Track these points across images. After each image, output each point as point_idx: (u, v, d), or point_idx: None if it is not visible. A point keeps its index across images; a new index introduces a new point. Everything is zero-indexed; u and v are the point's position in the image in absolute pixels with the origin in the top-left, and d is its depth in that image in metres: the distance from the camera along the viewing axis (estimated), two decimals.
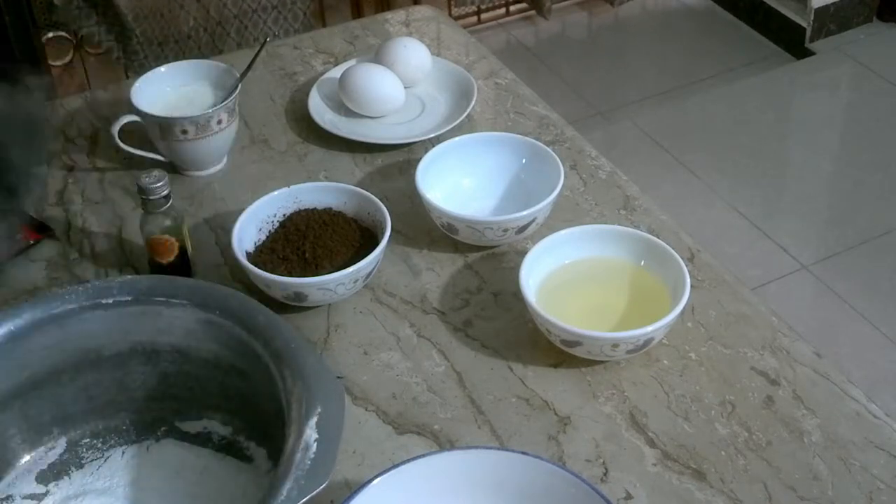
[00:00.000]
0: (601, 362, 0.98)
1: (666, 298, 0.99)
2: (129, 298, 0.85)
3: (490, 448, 0.89)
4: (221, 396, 0.89)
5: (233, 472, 0.88)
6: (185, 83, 1.27)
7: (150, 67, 1.29)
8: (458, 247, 1.12)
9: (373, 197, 1.09)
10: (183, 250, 1.07)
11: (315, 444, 0.73)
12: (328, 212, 1.10)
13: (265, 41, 1.33)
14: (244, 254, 1.05)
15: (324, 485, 0.72)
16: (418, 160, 1.15)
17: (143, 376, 0.88)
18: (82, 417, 0.90)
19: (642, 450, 0.90)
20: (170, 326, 0.86)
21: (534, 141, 1.18)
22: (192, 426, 0.91)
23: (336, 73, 1.35)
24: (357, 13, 2.75)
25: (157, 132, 1.20)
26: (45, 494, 0.88)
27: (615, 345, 0.94)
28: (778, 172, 2.52)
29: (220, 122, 1.21)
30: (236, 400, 0.89)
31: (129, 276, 0.86)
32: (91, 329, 0.86)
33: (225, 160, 1.27)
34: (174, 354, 0.87)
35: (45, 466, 0.89)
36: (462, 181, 1.17)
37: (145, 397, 0.89)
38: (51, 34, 2.46)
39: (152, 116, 1.20)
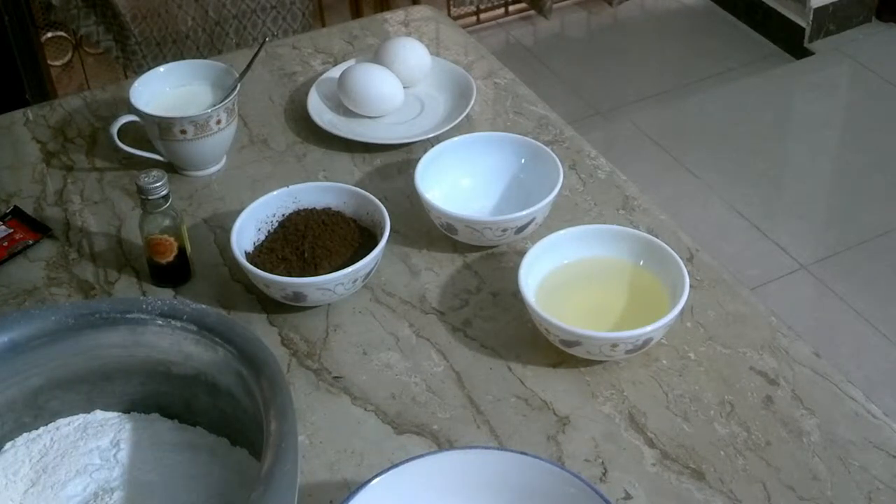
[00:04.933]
0: (600, 362, 0.98)
1: (665, 298, 0.99)
2: (194, 328, 0.83)
3: (489, 448, 0.88)
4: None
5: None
6: (183, 83, 1.27)
7: (149, 67, 1.29)
8: (457, 247, 1.12)
9: (372, 197, 1.09)
10: (182, 250, 1.07)
11: None
12: (327, 212, 1.10)
13: (264, 41, 1.33)
14: (243, 254, 1.05)
15: None
16: (417, 160, 1.14)
17: (206, 406, 0.87)
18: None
19: (641, 450, 0.90)
20: (224, 368, 0.84)
21: (533, 141, 1.18)
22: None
23: (335, 72, 1.35)
24: (356, 13, 2.75)
25: (156, 132, 1.20)
26: None
27: (614, 345, 0.94)
28: (777, 172, 2.52)
29: (218, 122, 1.21)
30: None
31: (202, 307, 0.83)
32: (158, 343, 0.85)
33: (224, 160, 1.26)
34: (228, 396, 0.85)
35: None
36: (461, 181, 1.17)
37: (207, 424, 0.88)
38: (50, 34, 2.46)
39: (151, 116, 1.19)
